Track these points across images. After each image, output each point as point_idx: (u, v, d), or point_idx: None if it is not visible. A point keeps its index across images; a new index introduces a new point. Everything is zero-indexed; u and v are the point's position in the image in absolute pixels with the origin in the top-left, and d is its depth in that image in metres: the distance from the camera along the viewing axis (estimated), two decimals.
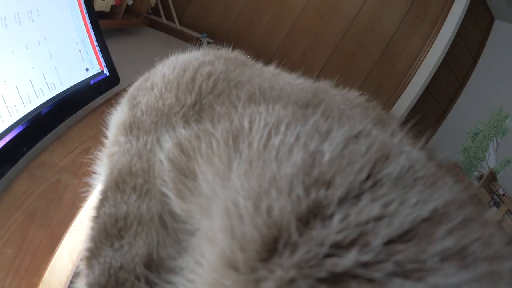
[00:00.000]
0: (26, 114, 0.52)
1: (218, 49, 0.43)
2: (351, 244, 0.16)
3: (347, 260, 0.15)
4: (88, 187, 0.40)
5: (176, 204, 0.26)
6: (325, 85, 0.36)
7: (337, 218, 0.16)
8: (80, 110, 0.69)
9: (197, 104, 0.32)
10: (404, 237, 0.16)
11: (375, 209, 0.16)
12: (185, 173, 0.26)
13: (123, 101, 0.38)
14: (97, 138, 0.65)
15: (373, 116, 0.29)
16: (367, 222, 0.16)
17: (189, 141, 0.27)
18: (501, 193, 2.29)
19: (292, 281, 0.15)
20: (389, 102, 2.45)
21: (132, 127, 0.32)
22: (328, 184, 0.18)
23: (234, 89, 0.32)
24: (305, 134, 0.21)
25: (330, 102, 0.31)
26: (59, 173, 0.55)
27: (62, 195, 0.52)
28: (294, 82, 0.36)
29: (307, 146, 0.19)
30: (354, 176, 0.18)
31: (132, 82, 0.41)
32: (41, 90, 0.56)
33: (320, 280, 0.15)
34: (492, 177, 2.36)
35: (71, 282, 0.49)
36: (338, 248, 0.16)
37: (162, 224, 0.27)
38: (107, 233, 0.26)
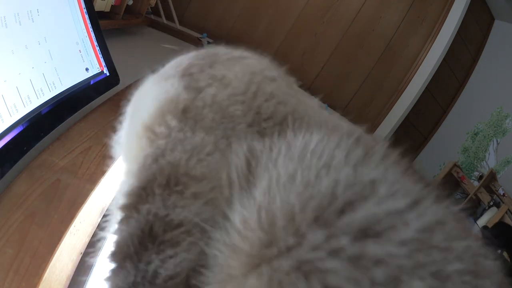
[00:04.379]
0: (26, 114, 0.52)
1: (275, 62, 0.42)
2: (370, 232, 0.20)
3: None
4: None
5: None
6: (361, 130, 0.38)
7: (362, 209, 0.21)
8: (80, 110, 0.69)
9: (255, 125, 0.31)
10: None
11: (372, 210, 0.21)
12: (245, 188, 0.26)
13: (171, 70, 0.34)
14: (97, 138, 0.65)
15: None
16: (386, 213, 0.20)
17: (257, 156, 0.27)
18: (501, 193, 2.28)
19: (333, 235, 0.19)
20: (389, 102, 2.45)
21: (187, 115, 0.29)
22: (353, 186, 0.22)
23: (293, 119, 0.32)
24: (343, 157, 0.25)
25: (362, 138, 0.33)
26: (59, 173, 0.55)
27: (62, 195, 0.52)
28: (341, 124, 0.37)
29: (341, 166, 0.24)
30: (371, 185, 0.22)
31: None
32: (41, 90, 0.56)
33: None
34: (492, 177, 2.36)
35: (75, 275, 0.49)
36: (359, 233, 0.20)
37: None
38: (153, 237, 0.24)
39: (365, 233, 0.19)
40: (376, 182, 0.22)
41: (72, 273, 0.50)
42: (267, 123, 0.31)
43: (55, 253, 0.45)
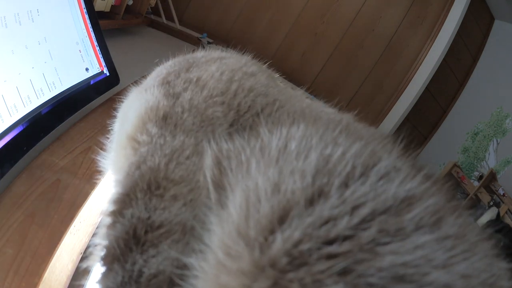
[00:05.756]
0: (26, 114, 0.52)
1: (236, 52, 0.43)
2: (344, 215, 0.20)
3: (340, 226, 0.20)
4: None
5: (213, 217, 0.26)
6: (349, 117, 0.37)
7: (335, 196, 0.21)
8: (80, 110, 0.69)
9: (234, 123, 0.32)
10: (387, 210, 0.21)
11: (364, 189, 0.22)
12: (219, 188, 0.26)
13: (151, 80, 0.36)
14: (97, 138, 0.65)
15: (383, 144, 0.30)
16: (358, 198, 0.21)
17: (228, 158, 0.27)
18: (501, 193, 2.28)
19: (298, 241, 0.19)
20: (389, 102, 2.45)
21: (168, 121, 0.30)
22: (330, 174, 0.22)
23: (273, 108, 0.33)
24: (323, 143, 0.25)
25: (350, 127, 0.32)
26: (59, 173, 0.55)
27: (62, 195, 0.52)
28: (326, 111, 0.37)
29: (322, 151, 0.24)
30: (351, 169, 0.23)
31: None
32: (41, 90, 0.56)
33: (319, 242, 0.19)
34: (492, 177, 2.36)
35: (73, 280, 0.49)
36: (334, 219, 0.20)
37: (194, 232, 0.26)
38: (136, 238, 0.25)
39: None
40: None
41: (72, 273, 0.50)
42: (244, 117, 0.32)
43: (55, 253, 0.45)
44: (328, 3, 2.25)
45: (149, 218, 0.25)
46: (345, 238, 0.19)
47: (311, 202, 0.21)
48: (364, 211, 0.20)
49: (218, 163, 0.27)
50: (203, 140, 0.30)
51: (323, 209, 0.20)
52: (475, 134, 2.78)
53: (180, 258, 0.24)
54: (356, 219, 0.20)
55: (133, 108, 0.34)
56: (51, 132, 0.59)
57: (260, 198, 0.22)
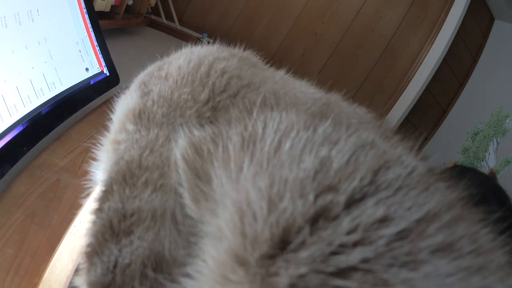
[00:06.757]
0: (26, 114, 0.52)
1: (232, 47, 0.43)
2: (357, 243, 0.18)
3: (352, 257, 0.17)
4: (88, 178, 0.39)
5: (190, 207, 0.25)
6: (336, 98, 0.36)
7: (345, 220, 0.18)
8: (80, 110, 0.69)
9: (210, 101, 0.32)
10: (400, 234, 0.18)
11: (379, 212, 0.19)
12: (199, 175, 0.26)
13: (133, 86, 0.37)
14: (97, 138, 0.65)
15: (379, 131, 0.29)
16: (373, 223, 0.18)
17: (204, 143, 0.27)
18: None
19: (302, 275, 0.17)
20: (389, 102, 2.45)
21: (142, 116, 0.31)
22: (335, 189, 0.20)
23: (248, 91, 0.33)
24: (315, 141, 0.23)
25: (340, 113, 0.30)
26: (59, 173, 0.55)
27: (62, 195, 0.52)
28: (307, 91, 0.36)
29: (317, 153, 0.22)
30: (359, 182, 0.20)
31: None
32: (41, 90, 0.56)
33: (328, 274, 0.17)
34: (492, 177, 2.36)
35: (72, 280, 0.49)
36: (345, 247, 0.18)
37: (173, 221, 0.26)
38: (112, 230, 0.25)
39: None
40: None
41: (72, 273, 0.50)
42: (221, 96, 0.32)
43: (55, 253, 0.45)
44: (328, 3, 2.25)
45: (123, 207, 0.25)
46: (357, 269, 0.17)
47: (314, 222, 0.19)
48: (379, 240, 0.18)
49: (192, 145, 0.27)
50: (174, 126, 0.30)
51: (332, 235, 0.18)
52: (475, 134, 2.78)
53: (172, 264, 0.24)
54: (369, 248, 0.17)
55: (116, 115, 0.35)
56: (51, 132, 0.59)
57: (256, 216, 0.20)
